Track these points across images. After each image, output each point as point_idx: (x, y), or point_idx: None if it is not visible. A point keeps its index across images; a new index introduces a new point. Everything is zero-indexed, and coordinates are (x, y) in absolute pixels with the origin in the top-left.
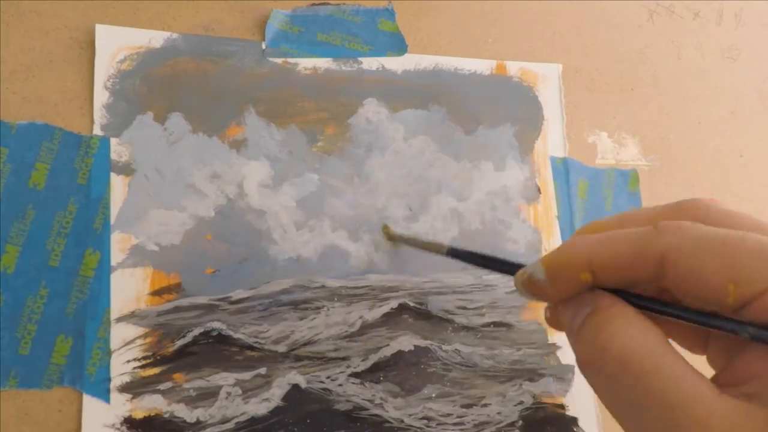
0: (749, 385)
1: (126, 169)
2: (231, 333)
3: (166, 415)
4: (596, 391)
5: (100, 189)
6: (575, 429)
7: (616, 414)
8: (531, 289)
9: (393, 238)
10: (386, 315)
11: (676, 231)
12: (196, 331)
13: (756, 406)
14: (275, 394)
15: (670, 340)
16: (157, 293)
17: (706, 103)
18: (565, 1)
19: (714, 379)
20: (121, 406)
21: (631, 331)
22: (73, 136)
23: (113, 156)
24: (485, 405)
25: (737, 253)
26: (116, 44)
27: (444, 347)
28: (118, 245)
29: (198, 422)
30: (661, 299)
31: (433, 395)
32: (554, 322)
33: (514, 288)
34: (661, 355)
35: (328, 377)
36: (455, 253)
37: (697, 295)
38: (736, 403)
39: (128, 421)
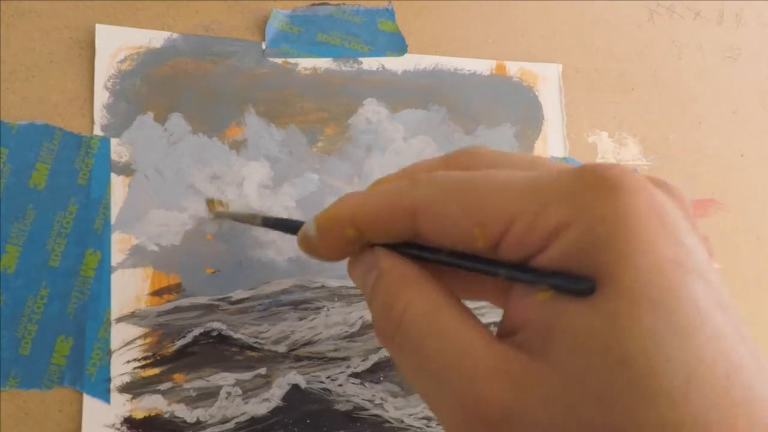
0: (520, 332)
1: (126, 170)
2: (231, 333)
3: (166, 415)
4: (395, 363)
5: (100, 189)
6: None
7: (413, 384)
8: (305, 245)
9: (217, 215)
10: None
11: (428, 182)
12: (196, 331)
13: (520, 352)
14: (275, 394)
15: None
16: (157, 293)
17: (706, 103)
18: (565, 1)
19: (499, 329)
20: (121, 406)
21: (410, 295)
22: (74, 137)
23: (113, 156)
24: None
25: (476, 195)
26: (116, 44)
27: None
28: (119, 245)
29: (198, 422)
30: (430, 246)
31: None
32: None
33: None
34: (439, 312)
35: (328, 377)
36: (267, 223)
37: (449, 242)
38: (503, 351)
39: (128, 421)
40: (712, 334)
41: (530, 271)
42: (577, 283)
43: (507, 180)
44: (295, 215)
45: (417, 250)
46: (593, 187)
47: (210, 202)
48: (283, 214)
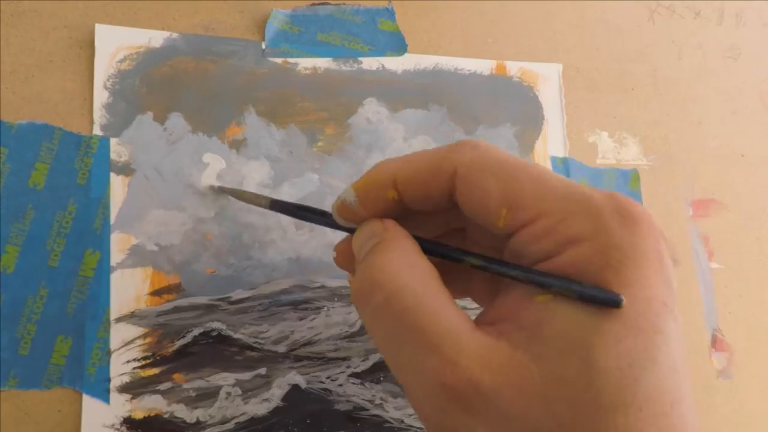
0: (503, 324)
1: (126, 169)
2: (231, 333)
3: (166, 416)
4: (364, 322)
5: (100, 189)
6: None
7: (379, 346)
8: (345, 214)
9: (218, 191)
10: None
11: (470, 149)
12: (196, 331)
13: (504, 343)
14: (275, 394)
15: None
16: (156, 293)
17: (706, 102)
18: (565, 1)
19: (477, 320)
20: (120, 406)
21: (402, 265)
22: (73, 136)
23: (113, 156)
24: None
25: (516, 178)
26: (116, 44)
27: None
28: (118, 245)
29: (198, 422)
30: (434, 241)
31: None
32: (342, 258)
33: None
34: (426, 291)
35: (328, 377)
36: (276, 206)
37: (476, 215)
38: (486, 340)
39: (128, 422)
40: (672, 367)
41: (559, 278)
42: (609, 295)
43: (546, 176)
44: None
45: (434, 245)
46: (619, 214)
47: (210, 187)
48: (284, 214)
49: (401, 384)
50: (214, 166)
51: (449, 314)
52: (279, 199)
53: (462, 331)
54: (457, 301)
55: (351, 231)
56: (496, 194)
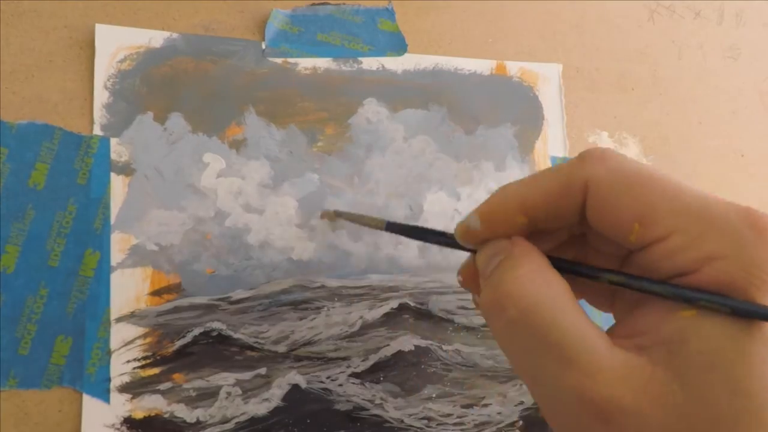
0: (641, 339)
1: (126, 169)
2: (231, 333)
3: (166, 415)
4: (495, 334)
5: (100, 189)
6: None
7: (511, 358)
8: (470, 239)
9: (333, 217)
10: (386, 315)
11: (598, 160)
12: (196, 331)
13: (644, 359)
14: (275, 394)
15: (583, 301)
16: (156, 293)
17: (706, 102)
18: (565, 1)
19: (611, 332)
20: (120, 406)
21: (537, 280)
22: (73, 136)
23: (113, 156)
24: (485, 405)
25: (650, 192)
26: (116, 44)
27: (444, 347)
28: (118, 245)
29: (198, 422)
30: (567, 259)
31: (434, 395)
32: (468, 279)
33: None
34: (562, 307)
35: (328, 377)
36: (393, 228)
37: (606, 229)
38: (625, 356)
39: (128, 421)
40: None
41: (706, 292)
42: (763, 309)
43: (680, 189)
44: (295, 215)
45: (566, 262)
46: (757, 230)
47: (324, 213)
48: (283, 214)
49: (535, 397)
50: (214, 166)
51: (586, 329)
52: (396, 222)
53: (600, 347)
54: None
55: (473, 251)
56: (629, 210)
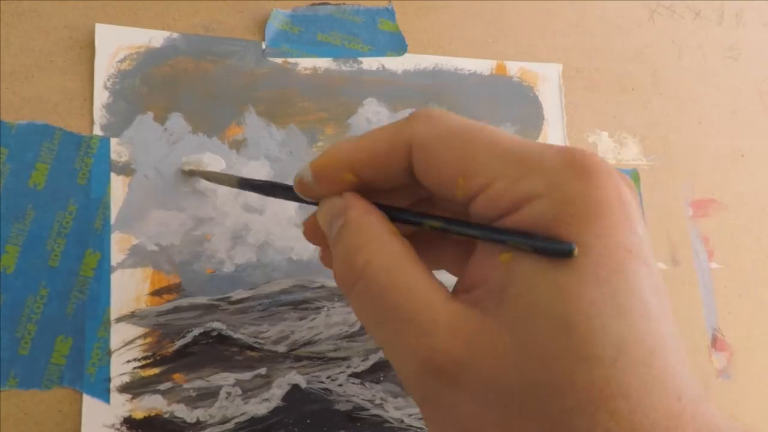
0: (477, 291)
1: (126, 169)
2: (231, 333)
3: (166, 416)
4: (353, 309)
5: (100, 189)
6: None
7: (368, 331)
8: (303, 191)
9: (190, 173)
10: None
11: (425, 119)
12: (196, 331)
13: (477, 311)
14: (275, 394)
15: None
16: (157, 293)
17: (706, 102)
18: (565, 1)
19: (455, 288)
20: (121, 406)
21: (373, 247)
22: (73, 136)
23: (113, 156)
24: None
25: (470, 146)
26: (116, 44)
27: None
28: (118, 245)
29: (198, 422)
30: (395, 207)
31: None
32: (311, 234)
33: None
34: (398, 268)
35: (328, 377)
36: (245, 184)
37: (434, 186)
38: (459, 309)
39: (128, 422)
40: (645, 314)
41: (513, 233)
42: (560, 245)
43: (499, 138)
44: (296, 215)
45: (395, 211)
46: (572, 167)
47: (184, 170)
48: (283, 214)
49: (393, 366)
50: (213, 166)
51: (424, 287)
52: (247, 177)
53: (437, 303)
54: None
55: (316, 204)
56: (451, 164)
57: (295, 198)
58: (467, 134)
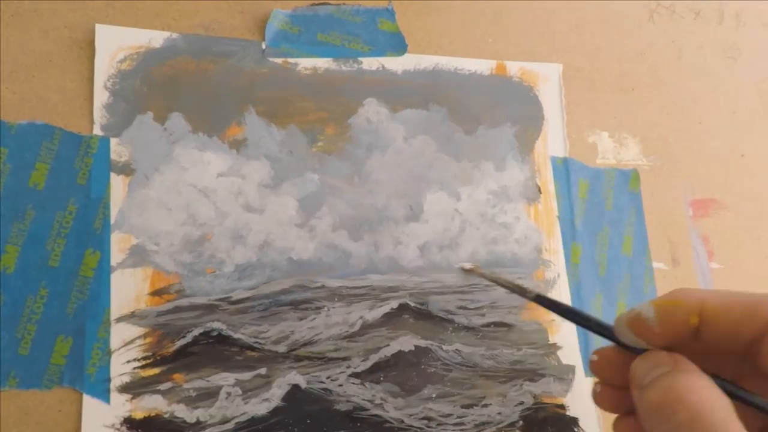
0: None
1: (126, 169)
2: (231, 333)
3: (166, 416)
4: None
5: (100, 189)
6: (575, 429)
7: None
8: (636, 328)
9: (472, 273)
10: (386, 315)
11: None
12: (196, 331)
13: None
14: (275, 394)
15: None
16: (156, 293)
17: (706, 102)
18: (565, 1)
19: None
20: (121, 406)
21: (707, 391)
22: (73, 136)
23: (113, 156)
24: (486, 405)
25: None
26: (116, 44)
27: (444, 347)
28: (118, 245)
29: (198, 422)
30: (735, 384)
31: (434, 395)
32: (601, 399)
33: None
34: (727, 419)
35: (328, 377)
36: (543, 301)
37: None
38: None
39: (128, 422)
40: None
41: None
42: None
43: None
44: (296, 215)
45: (734, 386)
46: None
47: (464, 268)
48: (283, 214)
49: None
50: (214, 166)
51: None
52: (546, 296)
53: None
54: None
55: (628, 347)
56: None
57: (605, 335)
58: None
